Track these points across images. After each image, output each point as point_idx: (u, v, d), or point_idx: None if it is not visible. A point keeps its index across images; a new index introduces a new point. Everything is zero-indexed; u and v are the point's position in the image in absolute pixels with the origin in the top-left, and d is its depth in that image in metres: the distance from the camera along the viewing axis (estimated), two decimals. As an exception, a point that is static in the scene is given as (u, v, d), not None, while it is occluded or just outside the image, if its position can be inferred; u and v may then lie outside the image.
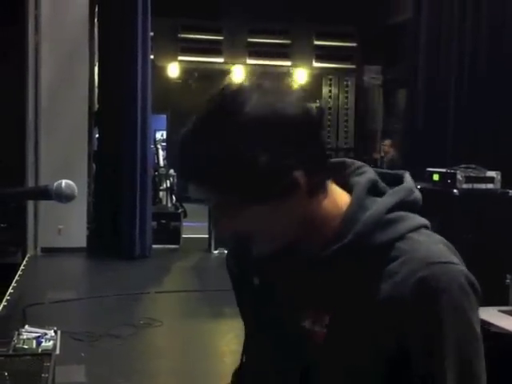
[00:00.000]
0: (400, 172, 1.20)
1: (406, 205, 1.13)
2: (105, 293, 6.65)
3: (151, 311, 6.28)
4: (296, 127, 1.06)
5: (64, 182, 1.53)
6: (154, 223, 9.31)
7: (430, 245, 1.09)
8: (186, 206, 9.81)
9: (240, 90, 1.07)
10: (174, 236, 9.41)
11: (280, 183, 1.04)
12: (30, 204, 8.44)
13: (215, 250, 8.92)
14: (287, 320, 1.18)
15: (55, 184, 1.52)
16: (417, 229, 1.12)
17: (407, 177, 1.18)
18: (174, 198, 10.57)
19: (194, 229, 9.82)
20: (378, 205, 1.11)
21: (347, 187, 1.15)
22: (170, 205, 10.48)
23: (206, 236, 9.10)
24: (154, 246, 9.02)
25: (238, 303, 1.33)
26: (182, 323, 6.03)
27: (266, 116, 1.04)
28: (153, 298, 6.92)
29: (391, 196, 1.13)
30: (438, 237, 1.14)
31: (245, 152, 1.03)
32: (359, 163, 1.20)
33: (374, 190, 1.14)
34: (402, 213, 1.12)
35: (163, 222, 9.59)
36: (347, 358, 1.11)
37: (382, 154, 11.22)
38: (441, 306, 1.05)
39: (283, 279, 1.17)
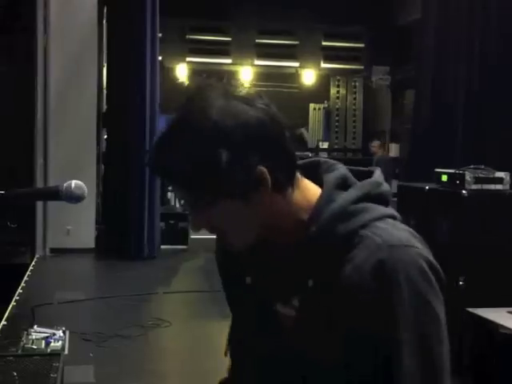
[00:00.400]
0: (372, 168, 1.27)
1: (372, 197, 1.19)
2: (113, 293, 6.66)
3: (159, 312, 6.28)
4: (257, 128, 1.13)
5: (74, 182, 1.52)
6: (162, 224, 9.32)
7: (392, 230, 1.14)
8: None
9: (205, 96, 1.15)
10: (182, 237, 9.42)
11: (244, 179, 1.12)
12: (39, 205, 8.47)
13: (223, 250, 8.91)
14: (262, 305, 1.25)
15: (65, 184, 1.52)
16: (381, 218, 1.17)
17: (377, 172, 1.25)
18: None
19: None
20: (343, 197, 1.17)
21: (320, 184, 1.22)
22: (178, 205, 10.49)
23: (214, 237, 9.07)
24: (162, 247, 9.03)
25: (227, 295, 1.42)
26: (191, 324, 6.03)
27: (228, 119, 1.11)
28: (161, 298, 6.93)
29: (357, 189, 1.19)
30: (403, 225, 1.19)
31: (208, 152, 1.10)
32: (332, 161, 1.27)
33: (344, 185, 1.20)
34: (367, 204, 1.17)
35: (171, 222, 9.61)
36: (315, 341, 1.16)
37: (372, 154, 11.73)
38: (399, 287, 1.08)
39: (257, 267, 1.25)
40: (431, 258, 1.14)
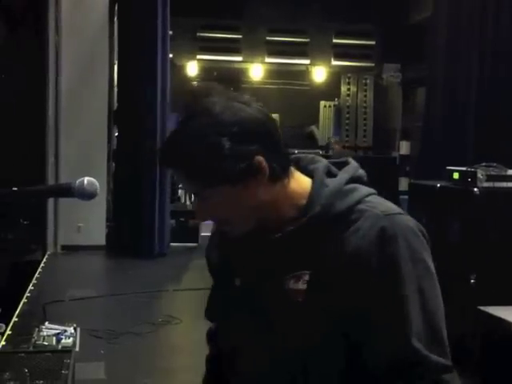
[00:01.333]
0: (345, 159, 1.47)
1: (356, 179, 1.40)
2: (124, 290, 6.68)
3: (170, 309, 6.30)
4: (254, 123, 1.31)
5: (86, 179, 1.53)
6: (173, 221, 9.33)
7: (383, 202, 1.36)
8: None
9: (209, 97, 1.32)
10: (192, 234, 9.43)
11: (243, 166, 1.28)
12: (50, 202, 8.50)
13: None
14: (271, 289, 1.36)
15: (77, 181, 1.52)
16: (370, 195, 1.37)
17: (351, 160, 1.45)
18: (192, 196, 10.59)
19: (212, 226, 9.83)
20: (335, 181, 1.37)
21: (308, 175, 1.40)
22: (188, 203, 10.50)
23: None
24: (173, 244, 9.05)
25: (214, 289, 1.60)
26: (201, 321, 6.01)
27: (229, 115, 1.29)
28: (171, 295, 6.94)
29: (344, 173, 1.40)
30: (385, 200, 1.39)
31: (211, 140, 1.27)
32: (311, 155, 1.47)
33: (330, 173, 1.41)
34: (355, 184, 1.38)
35: (182, 220, 9.62)
36: (324, 312, 1.29)
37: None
38: (399, 246, 1.28)
39: (263, 254, 1.37)
40: (416, 222, 1.35)
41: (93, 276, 7.88)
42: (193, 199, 1.43)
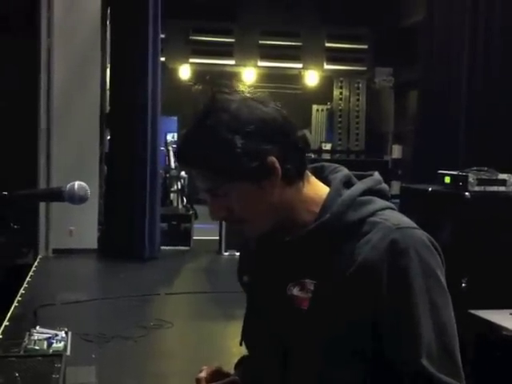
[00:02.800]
0: (371, 172, 1.43)
1: (374, 191, 1.36)
2: (115, 294, 6.66)
3: (162, 313, 6.29)
4: (269, 122, 1.29)
5: (77, 183, 1.53)
6: (165, 225, 9.31)
7: (397, 216, 1.33)
8: (197, 207, 9.82)
9: (226, 94, 1.31)
10: (184, 238, 9.42)
11: (256, 164, 1.26)
12: (42, 206, 8.48)
13: (225, 251, 8.92)
14: (275, 291, 1.36)
15: (68, 186, 1.52)
16: (384, 209, 1.34)
17: (376, 173, 1.42)
18: (184, 199, 10.58)
19: (205, 231, 9.84)
20: (351, 190, 1.34)
21: (327, 184, 1.38)
22: (180, 206, 10.49)
23: (217, 238, 9.10)
24: (165, 248, 9.03)
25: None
26: (193, 325, 6.03)
27: (245, 112, 1.28)
28: (163, 299, 6.93)
29: (361, 184, 1.37)
30: (402, 215, 1.37)
31: (225, 137, 1.26)
32: (336, 165, 1.44)
33: (349, 183, 1.37)
34: (371, 197, 1.34)
35: (174, 223, 9.61)
36: (329, 323, 1.27)
37: None
38: (411, 260, 1.24)
39: (272, 256, 1.38)
40: (430, 236, 1.31)
41: (84, 280, 7.86)
42: (205, 197, 1.39)
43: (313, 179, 1.38)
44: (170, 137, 14.19)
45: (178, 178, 10.59)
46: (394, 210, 1.35)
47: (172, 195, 10.79)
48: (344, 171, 1.40)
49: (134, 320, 5.76)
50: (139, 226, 8.62)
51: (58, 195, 1.54)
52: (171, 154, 10.93)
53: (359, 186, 1.35)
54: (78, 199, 1.52)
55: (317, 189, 1.36)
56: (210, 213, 1.36)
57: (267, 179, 1.29)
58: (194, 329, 5.92)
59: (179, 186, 10.69)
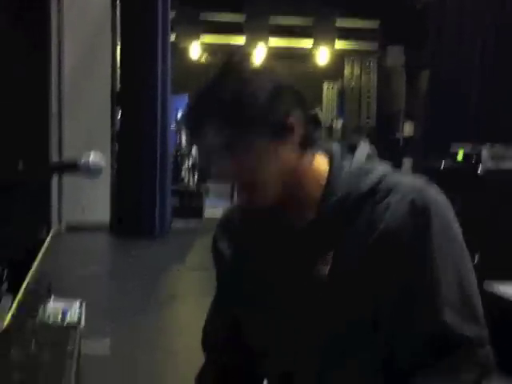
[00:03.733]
0: (355, 141, 1.42)
1: (370, 157, 1.36)
2: (128, 269, 6.71)
3: (175, 288, 6.32)
4: (291, 89, 1.29)
5: (92, 153, 1.53)
6: (177, 201, 9.34)
7: (407, 176, 1.33)
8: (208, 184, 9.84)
9: (244, 57, 1.32)
10: (196, 214, 9.46)
11: (277, 120, 1.24)
12: (54, 182, 8.52)
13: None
14: (298, 272, 1.32)
15: (83, 157, 1.52)
16: (389, 171, 1.33)
17: (363, 142, 1.41)
18: (196, 176, 10.60)
19: (216, 207, 9.86)
20: (355, 161, 1.33)
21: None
22: (192, 183, 10.52)
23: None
24: (176, 225, 9.07)
25: (224, 282, 1.59)
26: (205, 301, 6.06)
27: (264, 75, 1.29)
28: (176, 275, 6.96)
29: (360, 152, 1.35)
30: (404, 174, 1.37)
31: (246, 90, 1.23)
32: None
33: (342, 154, 1.36)
34: (371, 164, 1.34)
35: (185, 200, 9.64)
36: (349, 289, 1.26)
37: None
38: (431, 219, 1.25)
39: (290, 241, 1.33)
40: (443, 194, 1.32)
41: (97, 255, 7.91)
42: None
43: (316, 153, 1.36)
44: (181, 114, 14.20)
45: (189, 155, 10.60)
46: (393, 171, 1.35)
47: (183, 172, 10.81)
48: (335, 142, 1.40)
49: (147, 295, 5.81)
50: (149, 203, 8.66)
51: (72, 167, 1.54)
52: (182, 131, 10.93)
53: (359, 154, 1.35)
54: (93, 170, 1.52)
55: (319, 161, 1.34)
56: (219, 173, 1.29)
57: (285, 140, 1.26)
58: (206, 305, 5.94)
59: (190, 163, 10.71)
